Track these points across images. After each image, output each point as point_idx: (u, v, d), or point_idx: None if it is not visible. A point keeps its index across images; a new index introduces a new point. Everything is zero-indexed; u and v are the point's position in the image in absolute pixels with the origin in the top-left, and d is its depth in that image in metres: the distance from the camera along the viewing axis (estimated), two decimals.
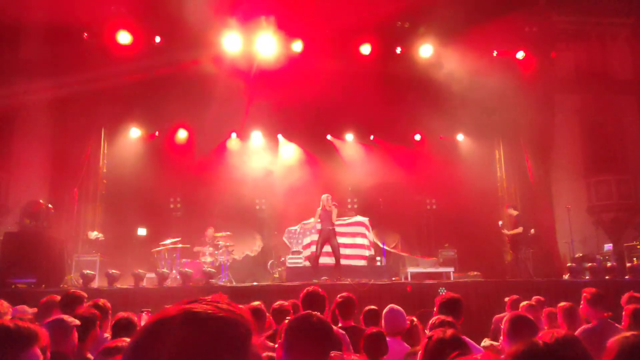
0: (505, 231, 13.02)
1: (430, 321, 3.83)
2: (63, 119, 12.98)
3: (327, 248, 12.06)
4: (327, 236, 11.36)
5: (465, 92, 13.33)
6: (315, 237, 13.18)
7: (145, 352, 0.92)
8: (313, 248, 12.98)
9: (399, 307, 4.56)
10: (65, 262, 10.88)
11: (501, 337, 3.48)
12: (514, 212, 12.96)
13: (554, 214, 14.61)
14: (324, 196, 11.54)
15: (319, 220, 11.46)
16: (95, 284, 10.17)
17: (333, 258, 13.02)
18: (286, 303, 5.18)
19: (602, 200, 15.66)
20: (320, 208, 11.48)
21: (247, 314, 0.98)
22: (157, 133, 14.97)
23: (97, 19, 12.43)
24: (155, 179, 13.77)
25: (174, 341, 0.90)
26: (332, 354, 2.22)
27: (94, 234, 12.66)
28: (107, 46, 12.61)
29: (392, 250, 14.34)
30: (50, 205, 11.05)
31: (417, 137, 15.91)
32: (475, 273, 12.83)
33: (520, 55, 14.20)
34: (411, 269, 12.47)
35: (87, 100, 12.62)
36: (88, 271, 9.98)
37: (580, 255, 13.03)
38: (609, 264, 11.86)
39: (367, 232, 13.64)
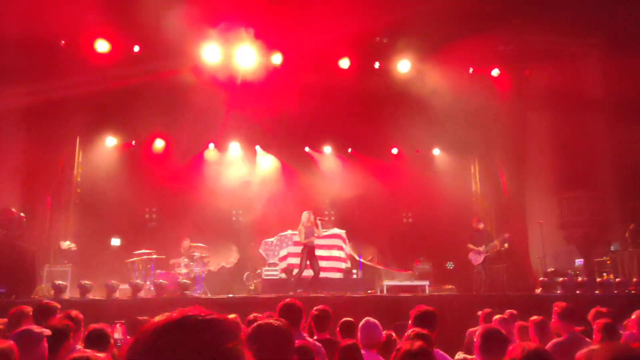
0: (496, 243, 12.80)
1: (406, 334, 3.87)
2: (37, 126, 12.75)
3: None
4: (311, 251, 11.36)
5: (441, 107, 13.55)
6: (293, 249, 13.18)
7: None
8: (290, 260, 12.98)
9: (375, 320, 4.59)
10: (36, 272, 10.67)
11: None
12: (481, 226, 12.88)
13: (527, 229, 14.85)
14: (304, 214, 11.50)
15: (305, 238, 11.38)
16: (67, 295, 9.96)
17: (310, 271, 13.02)
18: (261, 315, 5.17)
19: (573, 216, 15.99)
20: (301, 225, 11.45)
21: (237, 323, 1.01)
22: (133, 142, 14.85)
23: (75, 27, 12.31)
24: (130, 188, 13.62)
25: (170, 346, 0.91)
26: None
27: (66, 244, 12.44)
28: (85, 54, 12.49)
29: (368, 263, 14.39)
30: (22, 214, 10.84)
31: (394, 150, 16.09)
32: (450, 287, 12.95)
33: (495, 72, 14.51)
34: (387, 282, 12.53)
35: (63, 108, 12.45)
36: (60, 282, 9.78)
37: (552, 269, 13.25)
38: (579, 279, 12.08)
39: (343, 245, 13.68)
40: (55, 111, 12.48)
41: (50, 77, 11.94)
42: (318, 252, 13.27)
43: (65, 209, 13.48)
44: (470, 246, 12.46)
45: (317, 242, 13.47)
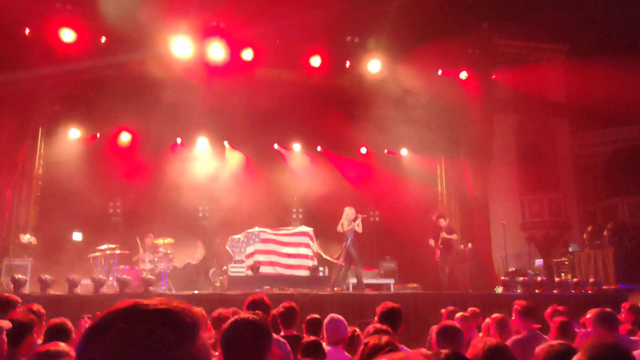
0: (454, 236, 12.92)
1: (366, 330, 3.92)
2: None
3: (271, 258, 12.12)
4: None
5: (410, 108, 13.70)
6: (260, 246, 13.17)
7: (93, 348, 0.92)
8: (257, 257, 12.96)
9: (340, 317, 4.63)
10: None
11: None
12: (444, 222, 12.97)
13: (490, 229, 15.16)
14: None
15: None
16: (26, 290, 9.73)
17: (276, 268, 13.06)
18: (226, 310, 5.16)
19: (534, 217, 16.45)
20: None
21: (193, 309, 1.01)
22: (98, 135, 14.55)
23: (40, 15, 11.97)
24: (94, 182, 13.36)
25: (119, 333, 0.91)
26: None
27: (26, 237, 12.12)
28: (50, 43, 12.14)
29: (334, 261, 14.46)
30: None
31: (363, 150, 16.20)
32: (415, 285, 13.13)
33: (463, 75, 14.73)
34: (353, 280, 12.61)
35: (25, 98, 12.12)
36: (19, 276, 9.53)
37: (513, 269, 13.58)
38: (539, 279, 12.41)
39: (310, 243, 13.72)
40: (17, 101, 12.13)
41: (14, 65, 11.60)
42: (285, 250, 13.33)
43: (26, 202, 13.10)
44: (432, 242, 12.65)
45: (284, 239, 13.54)
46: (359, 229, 11.75)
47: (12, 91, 11.73)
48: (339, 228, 11.87)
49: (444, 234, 12.43)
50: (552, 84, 17.54)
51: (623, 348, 1.93)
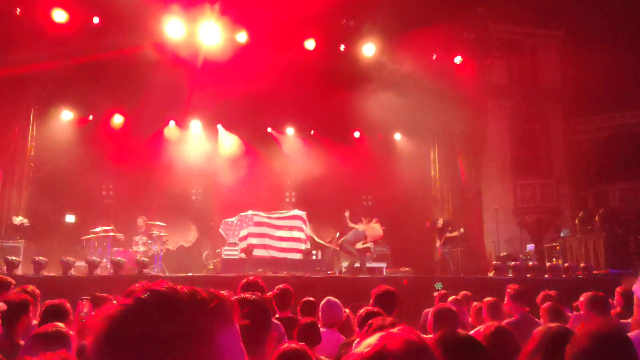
0: (448, 234, 13.36)
1: (358, 312, 3.96)
2: None
3: (264, 241, 12.17)
4: None
5: (404, 92, 13.67)
6: (253, 229, 13.21)
7: (124, 341, 0.88)
8: (250, 240, 13.01)
9: (335, 299, 4.68)
10: None
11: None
12: (441, 222, 13.57)
13: (482, 214, 15.27)
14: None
15: None
16: (19, 271, 9.72)
17: (269, 251, 13.12)
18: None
19: (527, 202, 16.57)
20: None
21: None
22: (90, 117, 14.44)
23: None
24: (87, 164, 13.31)
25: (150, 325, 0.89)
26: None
27: (18, 219, 12.08)
28: (41, 24, 11.95)
29: (327, 245, 14.54)
30: None
31: (357, 134, 16.19)
32: (407, 269, 13.24)
33: (457, 60, 14.71)
34: (346, 264, 12.70)
35: (17, 79, 11.98)
36: (12, 257, 9.52)
37: (505, 254, 13.71)
38: (530, 263, 12.54)
39: (303, 226, 13.78)
40: (9, 82, 11.99)
41: (4, 46, 11.45)
42: (278, 233, 13.38)
43: (18, 184, 13.03)
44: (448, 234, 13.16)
45: (277, 222, 13.59)
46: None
47: (3, 72, 11.58)
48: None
49: (447, 235, 12.89)
50: (546, 70, 17.56)
51: (624, 334, 1.98)
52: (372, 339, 1.06)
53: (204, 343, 0.90)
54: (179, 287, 0.95)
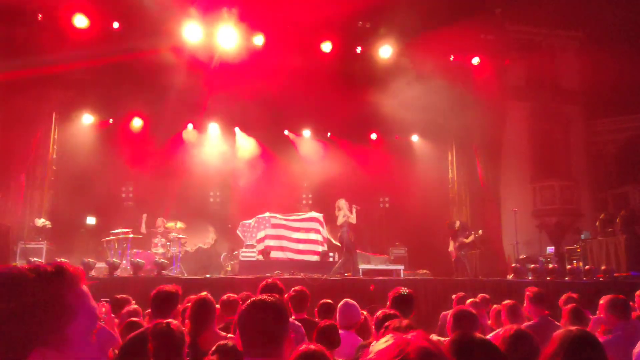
0: (464, 240, 13.15)
1: (375, 315, 3.96)
2: (12, 101, 12.45)
3: (281, 243, 12.19)
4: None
5: (421, 94, 13.61)
6: (270, 231, 13.27)
7: None
8: (267, 242, 13.06)
9: (353, 302, 4.69)
10: (10, 248, 10.53)
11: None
12: (458, 224, 13.31)
13: (501, 216, 15.13)
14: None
15: None
16: None
17: (286, 253, 13.17)
18: (235, 295, 5.23)
19: (546, 204, 16.38)
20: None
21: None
22: (111, 120, 14.64)
23: (53, 0, 12.01)
24: (107, 167, 13.50)
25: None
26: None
27: (41, 221, 12.29)
28: (62, 29, 12.17)
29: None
30: None
31: (373, 136, 16.17)
32: (425, 271, 13.17)
33: (475, 61, 14.61)
34: (362, 266, 12.66)
35: (39, 83, 12.18)
36: (35, 259, 9.69)
37: (524, 256, 13.56)
38: (550, 266, 12.39)
39: (320, 228, 13.79)
40: (31, 86, 12.20)
41: (26, 52, 11.68)
42: (295, 235, 13.42)
43: (40, 186, 13.26)
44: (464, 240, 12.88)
45: (294, 224, 13.63)
46: (353, 220, 11.69)
47: (26, 77, 11.80)
48: (342, 220, 11.79)
49: (462, 239, 12.61)
50: (565, 71, 17.37)
51: (592, 336, 1.98)
52: (386, 344, 1.06)
53: (57, 305, 1.05)
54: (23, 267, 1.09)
